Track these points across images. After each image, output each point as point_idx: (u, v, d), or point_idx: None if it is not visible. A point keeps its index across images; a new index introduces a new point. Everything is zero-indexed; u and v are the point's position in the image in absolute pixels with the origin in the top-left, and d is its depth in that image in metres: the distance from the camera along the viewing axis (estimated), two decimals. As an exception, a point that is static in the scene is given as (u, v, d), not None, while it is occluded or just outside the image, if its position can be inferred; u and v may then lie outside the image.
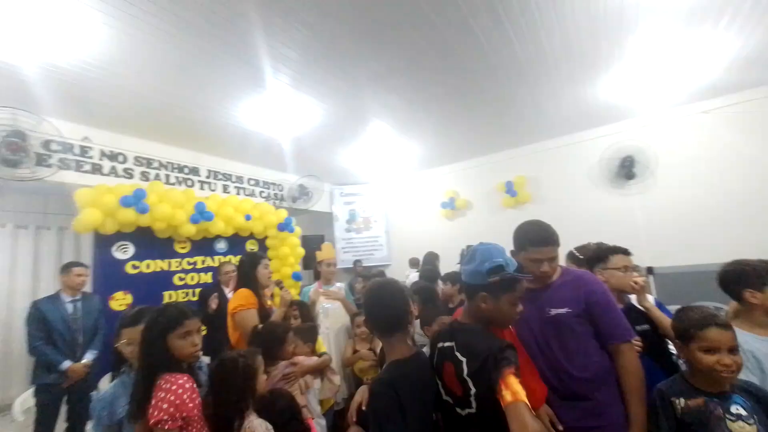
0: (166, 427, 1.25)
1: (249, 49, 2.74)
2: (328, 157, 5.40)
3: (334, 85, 3.38)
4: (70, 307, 2.94)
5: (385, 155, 5.63)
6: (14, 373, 4.53)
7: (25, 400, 2.89)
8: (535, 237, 1.48)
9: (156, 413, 1.26)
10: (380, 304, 1.30)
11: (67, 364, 2.76)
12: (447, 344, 1.23)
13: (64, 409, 2.85)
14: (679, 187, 4.51)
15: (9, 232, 4.83)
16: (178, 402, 1.28)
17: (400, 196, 7.11)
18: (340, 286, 3.06)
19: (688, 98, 4.31)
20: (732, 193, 4.17)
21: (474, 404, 1.10)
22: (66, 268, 3.03)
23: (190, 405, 1.31)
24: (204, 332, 2.93)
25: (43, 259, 5.02)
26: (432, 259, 4.81)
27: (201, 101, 3.48)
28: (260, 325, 2.13)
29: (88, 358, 2.90)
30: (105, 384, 3.00)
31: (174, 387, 1.31)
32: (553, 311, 1.45)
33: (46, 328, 2.79)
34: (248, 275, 2.37)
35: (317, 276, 3.08)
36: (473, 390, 1.10)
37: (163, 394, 1.29)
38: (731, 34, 2.98)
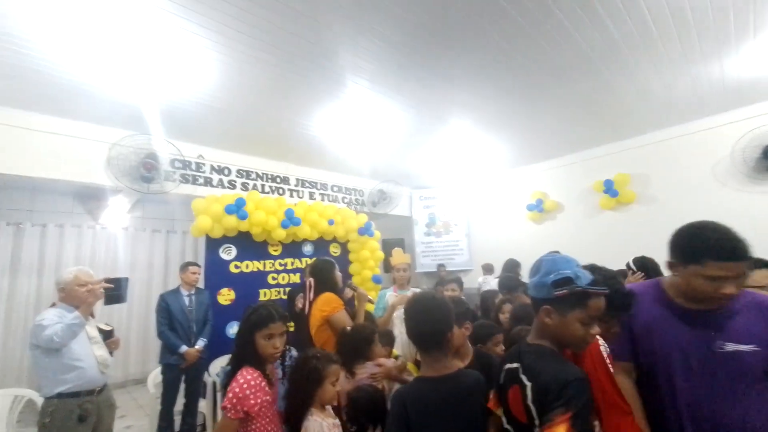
0: (228, 415, 1.38)
1: (330, 66, 2.93)
2: (407, 161, 5.45)
3: (410, 91, 3.40)
4: (186, 300, 3.45)
5: (466, 156, 5.46)
6: (150, 352, 5.51)
7: (155, 376, 3.47)
8: (721, 247, 1.10)
9: (225, 400, 1.39)
10: (417, 319, 1.28)
11: (184, 348, 3.24)
12: (513, 365, 1.12)
13: (182, 387, 3.35)
14: None
15: (148, 235, 5.91)
16: (241, 395, 1.39)
17: (482, 199, 6.81)
18: (415, 291, 3.04)
19: None
20: None
21: None
22: (184, 267, 3.57)
23: (252, 402, 1.40)
24: (291, 328, 3.19)
25: (172, 258, 6.02)
26: (513, 266, 4.46)
27: (289, 117, 3.83)
28: (348, 328, 2.22)
29: (200, 344, 3.36)
30: (215, 368, 3.46)
31: (242, 381, 1.42)
32: (731, 346, 1.11)
33: (169, 316, 3.32)
34: (331, 280, 2.48)
35: (394, 280, 3.12)
36: (537, 420, 0.98)
37: (233, 384, 1.42)
38: None
